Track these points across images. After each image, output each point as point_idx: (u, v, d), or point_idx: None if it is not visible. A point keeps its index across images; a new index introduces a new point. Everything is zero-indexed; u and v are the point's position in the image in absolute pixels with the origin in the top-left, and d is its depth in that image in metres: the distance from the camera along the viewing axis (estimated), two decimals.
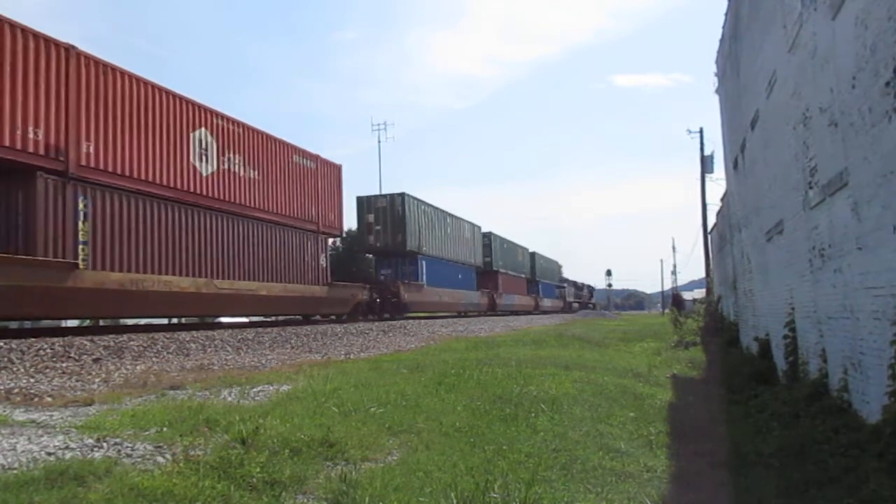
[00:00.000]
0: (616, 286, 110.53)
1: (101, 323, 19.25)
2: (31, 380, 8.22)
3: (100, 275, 13.98)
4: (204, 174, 17.18)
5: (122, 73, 14.96)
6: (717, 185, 36.61)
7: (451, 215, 36.21)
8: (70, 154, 13.37)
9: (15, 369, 8.98)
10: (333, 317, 24.64)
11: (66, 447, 4.62)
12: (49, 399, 6.94)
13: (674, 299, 38.23)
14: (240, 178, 18.64)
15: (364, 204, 30.23)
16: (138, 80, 15.42)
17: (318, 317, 24.18)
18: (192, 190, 16.71)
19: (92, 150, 13.94)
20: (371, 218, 29.59)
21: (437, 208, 34.19)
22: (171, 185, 16.02)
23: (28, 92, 12.59)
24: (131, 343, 11.93)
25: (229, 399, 7.09)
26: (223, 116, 18.28)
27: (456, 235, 36.71)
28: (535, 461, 4.73)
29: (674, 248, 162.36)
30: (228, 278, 17.83)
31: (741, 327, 16.38)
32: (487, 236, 43.01)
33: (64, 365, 9.64)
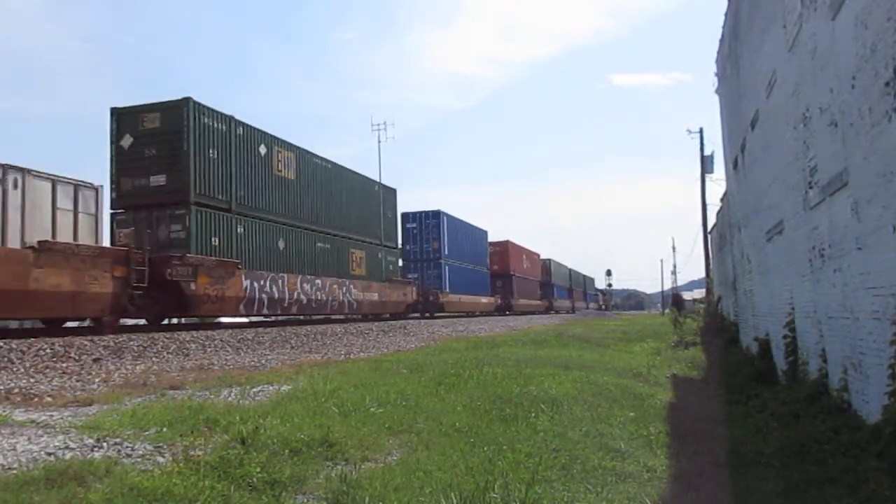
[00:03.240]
0: (616, 286, 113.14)
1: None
2: (31, 380, 8.22)
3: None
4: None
5: (521, 247, 55.30)
6: (717, 185, 36.68)
7: (563, 265, 73.42)
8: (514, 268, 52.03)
9: (15, 369, 8.99)
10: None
11: (66, 447, 4.62)
12: (49, 399, 6.94)
13: (674, 299, 38.18)
14: (525, 268, 53.95)
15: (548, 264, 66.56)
16: (519, 246, 54.68)
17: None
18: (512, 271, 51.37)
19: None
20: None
21: (562, 264, 73.01)
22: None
23: None
24: (131, 343, 11.93)
25: (229, 399, 7.09)
26: (514, 244, 51.55)
27: (559, 271, 70.20)
28: (535, 461, 4.73)
29: (674, 248, 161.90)
30: (522, 298, 53.17)
31: (741, 327, 16.37)
32: (570, 270, 79.25)
33: (64, 365, 9.65)
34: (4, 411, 6.10)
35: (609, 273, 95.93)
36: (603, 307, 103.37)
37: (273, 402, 6.80)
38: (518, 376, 9.04)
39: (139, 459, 4.43)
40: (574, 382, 8.72)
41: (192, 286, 17.03)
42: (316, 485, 4.21)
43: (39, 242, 13.20)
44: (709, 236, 32.83)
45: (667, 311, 46.68)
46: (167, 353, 11.87)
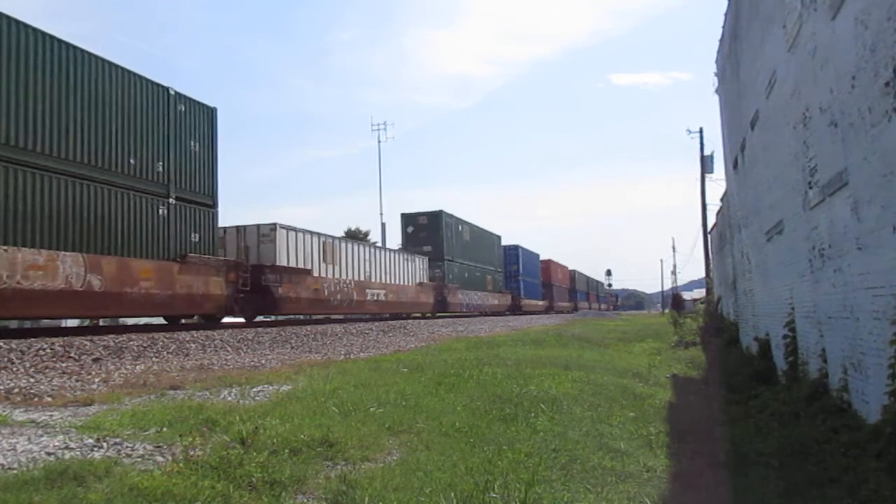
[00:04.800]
0: (616, 286, 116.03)
1: (101, 323, 19.33)
2: (31, 380, 8.22)
3: None
4: None
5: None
6: (717, 185, 36.86)
7: (583, 274, 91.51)
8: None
9: (15, 369, 8.99)
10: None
11: (66, 447, 4.63)
12: (49, 399, 6.94)
13: (673, 300, 38.24)
14: (559, 278, 75.49)
15: (575, 274, 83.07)
16: (556, 262, 74.62)
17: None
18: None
19: None
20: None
21: (583, 273, 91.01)
22: None
23: None
24: (131, 343, 11.93)
25: (229, 399, 7.09)
26: (554, 262, 71.89)
27: (581, 278, 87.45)
28: (535, 461, 4.73)
29: (674, 248, 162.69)
30: (558, 301, 73.12)
31: (741, 327, 16.38)
32: (588, 277, 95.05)
33: (64, 365, 9.65)
34: (4, 411, 6.10)
35: (609, 273, 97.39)
36: (611, 307, 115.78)
37: (273, 402, 6.80)
38: (518, 376, 9.04)
39: (139, 459, 4.43)
40: (574, 382, 8.72)
41: (449, 298, 38.55)
42: (316, 485, 4.21)
43: (419, 283, 34.96)
44: (709, 236, 32.84)
45: (667, 310, 46.75)
46: (167, 353, 11.87)
